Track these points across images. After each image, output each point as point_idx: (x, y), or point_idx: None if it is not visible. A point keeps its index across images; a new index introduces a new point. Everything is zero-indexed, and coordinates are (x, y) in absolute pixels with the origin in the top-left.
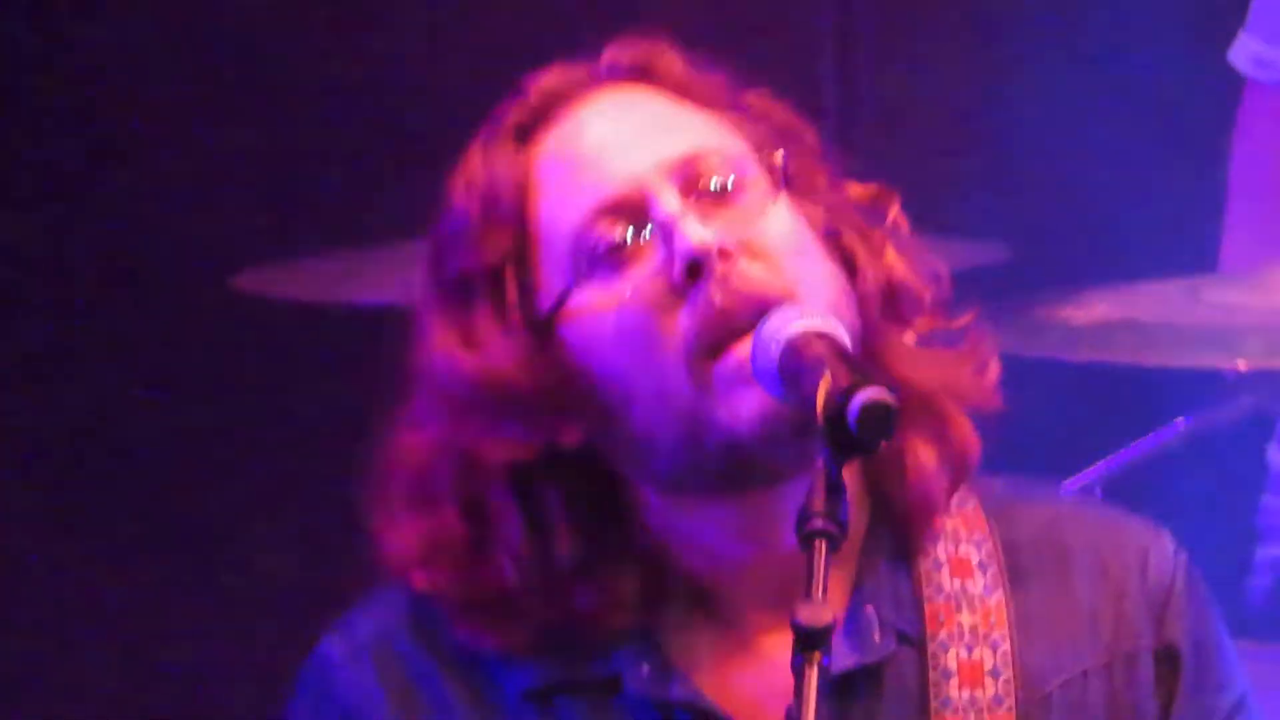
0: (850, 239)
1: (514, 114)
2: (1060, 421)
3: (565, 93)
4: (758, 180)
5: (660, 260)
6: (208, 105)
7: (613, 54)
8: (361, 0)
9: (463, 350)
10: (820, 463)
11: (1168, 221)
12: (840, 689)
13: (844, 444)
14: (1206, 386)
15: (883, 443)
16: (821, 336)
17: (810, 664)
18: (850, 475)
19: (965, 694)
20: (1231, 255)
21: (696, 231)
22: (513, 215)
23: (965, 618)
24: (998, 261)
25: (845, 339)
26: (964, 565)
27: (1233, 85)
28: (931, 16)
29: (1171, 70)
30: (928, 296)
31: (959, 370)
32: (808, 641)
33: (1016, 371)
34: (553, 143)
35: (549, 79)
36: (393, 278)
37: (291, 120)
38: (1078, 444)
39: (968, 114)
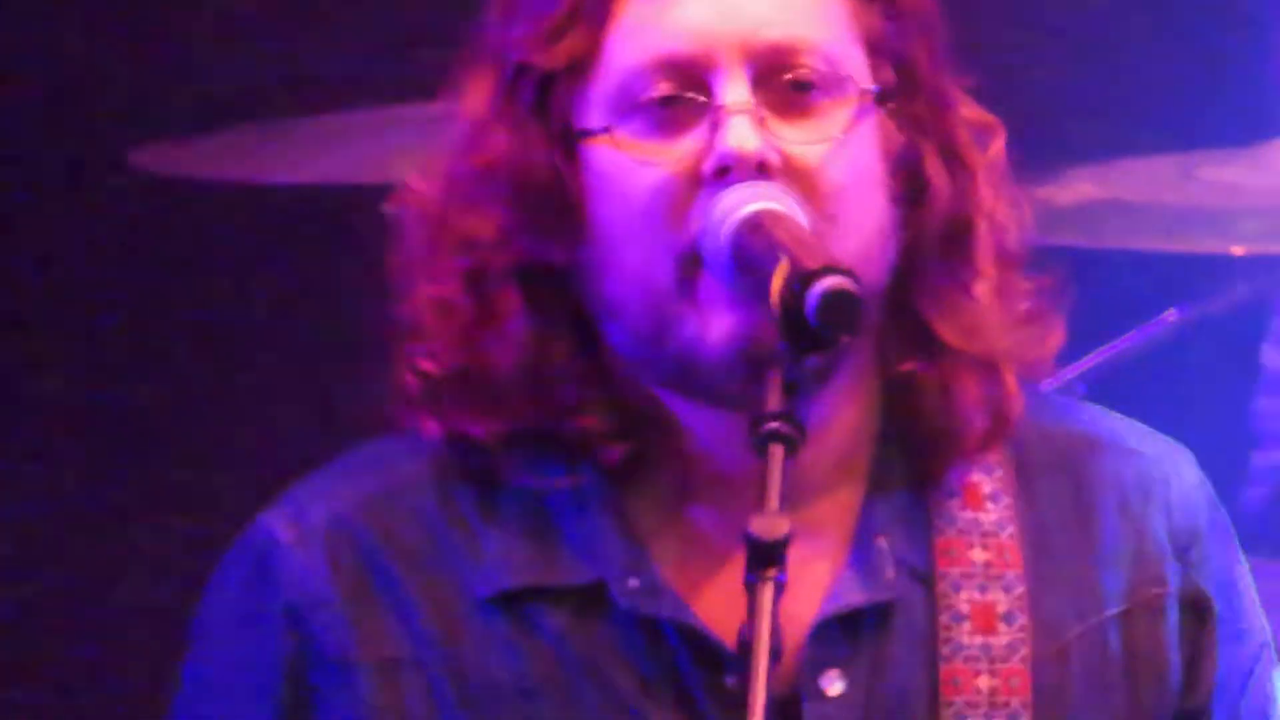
0: (931, 166)
1: None
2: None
3: None
4: (845, 95)
5: (699, 143)
6: None
7: None
8: None
9: (494, 129)
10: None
11: (1159, 86)
12: (846, 627)
13: (802, 337)
14: (1199, 273)
15: (844, 337)
16: (775, 217)
17: (764, 581)
18: (864, 385)
19: (978, 640)
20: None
21: (743, 134)
22: (595, 19)
23: (978, 554)
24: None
25: (801, 219)
26: (975, 494)
27: None
28: None
29: None
30: (1007, 244)
31: (1016, 332)
32: (761, 556)
33: None
34: None
35: None
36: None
37: None
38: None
39: None
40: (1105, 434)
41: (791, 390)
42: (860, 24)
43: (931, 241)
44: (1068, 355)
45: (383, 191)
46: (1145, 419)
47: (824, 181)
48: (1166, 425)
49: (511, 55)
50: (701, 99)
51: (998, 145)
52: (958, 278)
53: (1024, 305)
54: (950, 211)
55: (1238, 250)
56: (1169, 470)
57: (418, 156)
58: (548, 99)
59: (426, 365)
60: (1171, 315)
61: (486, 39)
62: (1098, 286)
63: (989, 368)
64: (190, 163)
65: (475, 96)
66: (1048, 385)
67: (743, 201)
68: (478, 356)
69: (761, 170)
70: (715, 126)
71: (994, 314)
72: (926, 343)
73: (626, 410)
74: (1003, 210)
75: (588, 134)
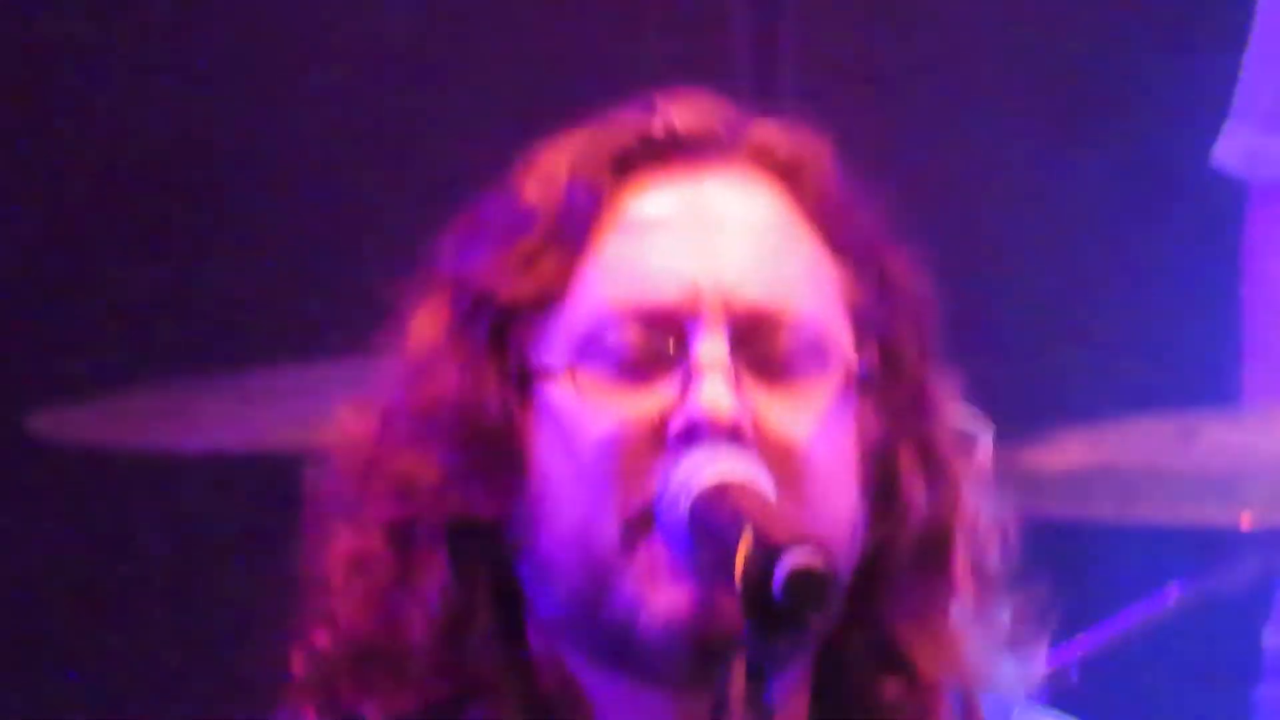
0: (905, 466)
1: (627, 134)
2: (1025, 590)
3: (693, 145)
4: (827, 372)
5: (667, 398)
6: None
7: (768, 134)
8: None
9: (443, 363)
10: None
11: (1158, 345)
12: None
13: (768, 618)
14: (1203, 547)
15: (812, 617)
16: (741, 488)
17: None
18: (805, 681)
19: None
20: (1253, 394)
21: (717, 395)
22: (569, 253)
23: None
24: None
25: (769, 491)
26: None
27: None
28: None
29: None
30: (988, 561)
31: (994, 659)
32: None
33: None
34: (646, 199)
35: (686, 115)
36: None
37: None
38: (1047, 616)
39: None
40: None
41: (755, 675)
42: (849, 297)
43: (903, 550)
44: (1058, 637)
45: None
46: (1143, 708)
47: (799, 459)
48: (1164, 714)
49: (472, 283)
50: (675, 348)
51: (984, 449)
52: (932, 595)
53: (1005, 629)
54: (926, 522)
55: (1246, 521)
56: None
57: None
58: (506, 333)
59: (322, 640)
60: (1172, 593)
61: (441, 264)
62: (1089, 562)
63: (922, 686)
64: (92, 428)
65: (424, 327)
66: (1039, 671)
67: (706, 465)
68: (388, 622)
69: (733, 436)
70: (687, 382)
71: (971, 639)
72: (896, 665)
73: (540, 693)
74: (985, 524)
75: (546, 373)
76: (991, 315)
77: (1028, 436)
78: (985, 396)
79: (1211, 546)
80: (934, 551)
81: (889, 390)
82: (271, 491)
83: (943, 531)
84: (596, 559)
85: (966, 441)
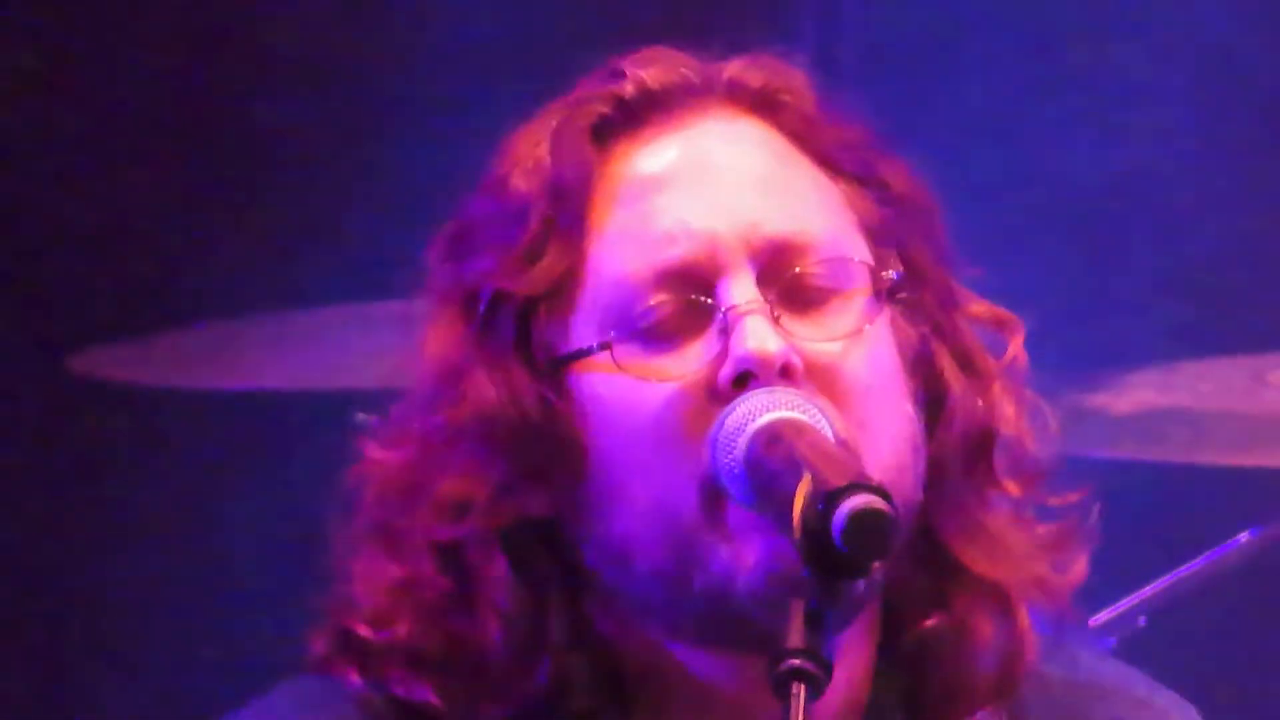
0: (948, 370)
1: (601, 102)
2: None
3: (668, 99)
4: (857, 289)
5: (711, 352)
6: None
7: (738, 70)
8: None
9: (470, 373)
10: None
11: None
12: None
13: (828, 563)
14: (1275, 490)
15: (876, 563)
16: (797, 428)
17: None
18: (873, 617)
19: None
20: None
21: (762, 336)
22: (574, 233)
23: None
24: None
25: (828, 430)
26: None
27: None
28: None
29: None
30: (1029, 455)
31: (1039, 560)
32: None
33: None
34: (638, 161)
35: (655, 71)
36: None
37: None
38: (1116, 561)
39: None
40: (1110, 682)
41: (815, 623)
42: (858, 211)
43: (953, 455)
44: (1127, 582)
45: (349, 399)
46: (1214, 656)
47: (849, 381)
48: (1238, 664)
49: (483, 288)
50: (706, 301)
51: (1016, 345)
52: (980, 496)
53: (1046, 528)
54: (969, 422)
55: None
56: None
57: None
58: (528, 328)
59: (365, 631)
60: (1244, 538)
61: (440, 277)
62: (1160, 505)
63: (1005, 607)
64: (133, 368)
65: (441, 343)
66: (1105, 615)
67: (759, 410)
68: (454, 638)
69: (785, 374)
70: (727, 330)
71: (1015, 536)
72: (947, 570)
73: (619, 677)
74: (1024, 419)
75: (579, 356)
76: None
77: (1100, 378)
78: (1057, 340)
79: None
80: (979, 450)
81: (915, 296)
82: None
83: (985, 430)
84: (680, 529)
85: (1000, 333)
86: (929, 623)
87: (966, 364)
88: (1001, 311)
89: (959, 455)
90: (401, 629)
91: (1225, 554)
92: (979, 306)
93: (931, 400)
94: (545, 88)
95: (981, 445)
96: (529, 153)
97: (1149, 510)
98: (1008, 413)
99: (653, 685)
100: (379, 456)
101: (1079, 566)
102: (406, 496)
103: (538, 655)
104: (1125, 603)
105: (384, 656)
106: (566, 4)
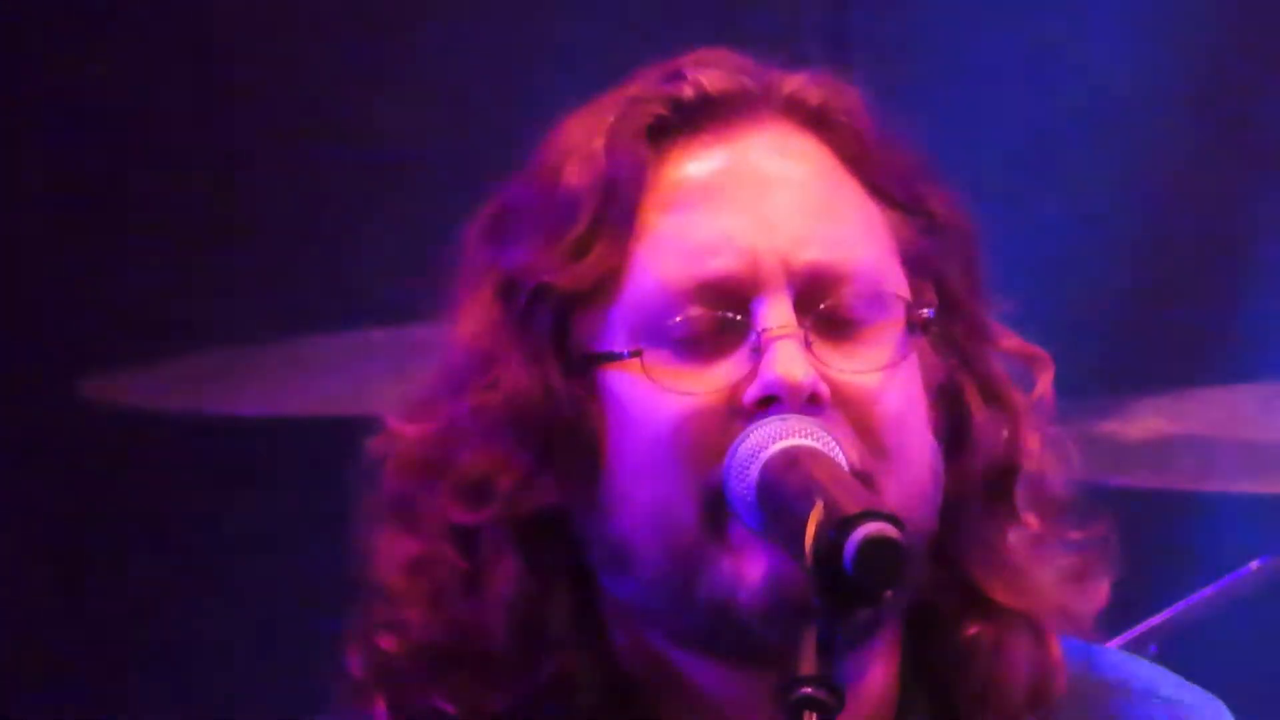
0: (974, 403)
1: (659, 103)
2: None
3: (726, 107)
4: (890, 319)
5: (740, 371)
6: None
7: (797, 85)
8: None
9: (504, 359)
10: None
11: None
12: None
13: (839, 590)
14: None
15: (887, 591)
16: (812, 456)
17: None
18: (893, 640)
19: None
20: None
21: (792, 361)
22: (621, 233)
23: None
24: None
25: (841, 459)
26: None
27: None
28: None
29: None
30: (1051, 490)
31: (1062, 591)
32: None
33: None
34: (689, 167)
35: (714, 76)
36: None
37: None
38: (1126, 589)
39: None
40: (1137, 681)
41: (826, 650)
42: (900, 241)
43: (974, 487)
44: (1138, 609)
45: (358, 425)
46: (1226, 681)
47: (878, 413)
48: (1249, 688)
49: (526, 278)
50: (740, 319)
51: (1045, 382)
52: (1001, 529)
53: (1068, 559)
54: (992, 455)
55: None
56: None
57: (390, 388)
58: (565, 322)
59: (388, 643)
60: (1255, 565)
61: (479, 259)
62: (1170, 533)
63: (1034, 630)
64: (145, 393)
65: (476, 324)
66: (1116, 642)
67: (775, 436)
68: (462, 626)
69: (812, 402)
70: (758, 352)
71: (1038, 567)
72: (973, 600)
73: (621, 679)
74: (1048, 455)
75: (611, 358)
76: (1078, 286)
77: (1109, 406)
78: (1069, 365)
79: None
80: (1001, 484)
81: (946, 328)
82: (320, 455)
83: (1009, 464)
84: (679, 541)
85: (1029, 369)
86: (966, 632)
87: (993, 398)
88: (1031, 347)
89: (980, 489)
90: (413, 618)
91: (1236, 581)
92: (1010, 341)
93: (953, 431)
94: (546, 88)
95: (1003, 479)
96: (583, 145)
97: (1159, 538)
98: (1031, 448)
99: (658, 690)
100: (402, 430)
101: (1100, 592)
102: (428, 473)
103: (540, 650)
104: (1136, 630)
105: (404, 668)
106: None
